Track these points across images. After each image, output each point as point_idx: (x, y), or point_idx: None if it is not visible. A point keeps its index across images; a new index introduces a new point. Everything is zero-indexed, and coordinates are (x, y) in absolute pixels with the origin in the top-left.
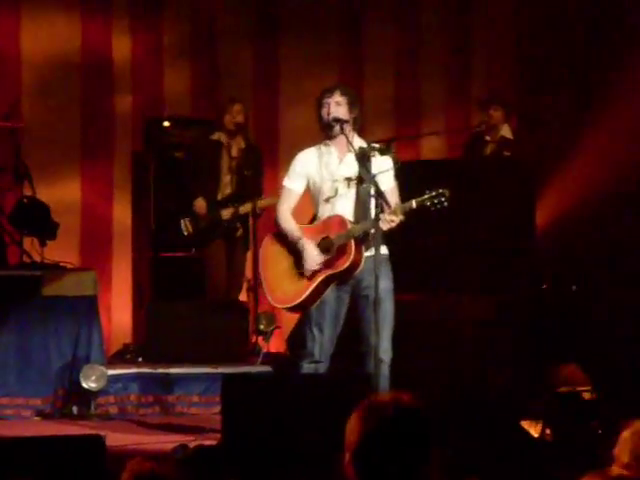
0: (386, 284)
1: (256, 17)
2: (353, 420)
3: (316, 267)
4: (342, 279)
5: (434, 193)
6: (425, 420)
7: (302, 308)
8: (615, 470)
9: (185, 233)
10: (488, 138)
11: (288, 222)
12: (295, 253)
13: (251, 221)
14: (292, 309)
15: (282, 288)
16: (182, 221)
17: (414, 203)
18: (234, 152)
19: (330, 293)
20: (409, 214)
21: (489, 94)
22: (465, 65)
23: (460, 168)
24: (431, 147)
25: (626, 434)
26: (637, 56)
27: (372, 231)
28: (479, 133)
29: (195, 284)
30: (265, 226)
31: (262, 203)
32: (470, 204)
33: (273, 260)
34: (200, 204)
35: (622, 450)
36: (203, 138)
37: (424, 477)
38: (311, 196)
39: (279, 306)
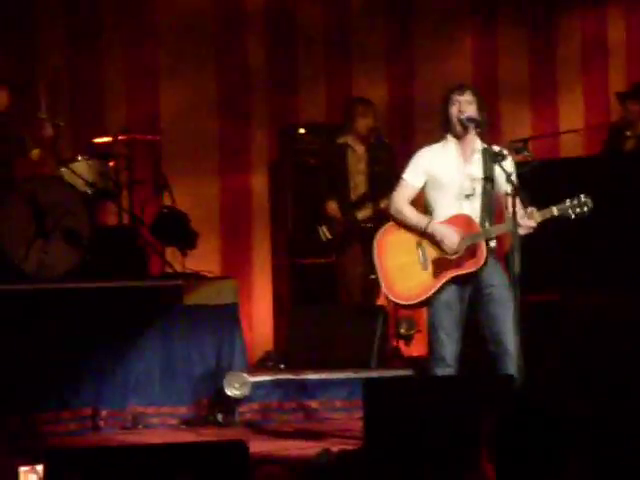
0: (505, 280)
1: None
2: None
3: (457, 246)
4: (466, 280)
5: (576, 202)
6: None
7: (420, 306)
8: None
9: (324, 239)
10: (628, 133)
11: (409, 210)
12: (418, 245)
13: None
14: (411, 306)
15: (404, 283)
16: (319, 228)
17: (555, 211)
18: (361, 152)
19: (453, 294)
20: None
21: (627, 88)
22: (603, 59)
23: (601, 165)
24: (569, 144)
25: None
26: None
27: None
28: (618, 128)
29: (333, 290)
30: None
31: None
32: (614, 201)
33: (391, 253)
34: (332, 207)
35: None
36: (330, 142)
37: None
38: (428, 192)
39: (399, 302)
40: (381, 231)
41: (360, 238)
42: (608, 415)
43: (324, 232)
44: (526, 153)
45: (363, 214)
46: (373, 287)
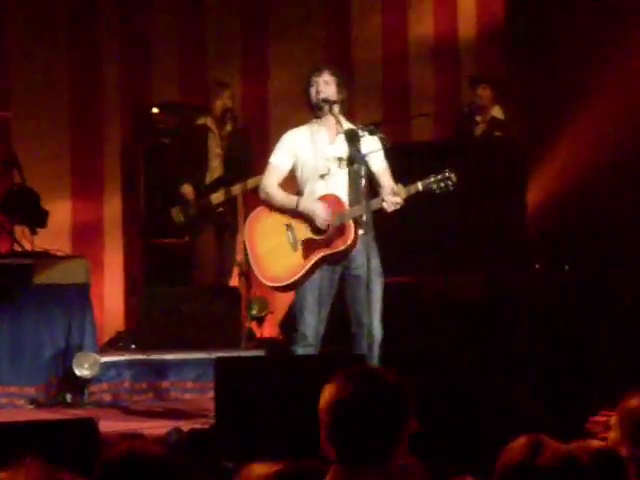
0: (376, 263)
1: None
2: (324, 397)
3: (329, 220)
4: (336, 260)
5: (440, 176)
6: (392, 391)
7: (293, 287)
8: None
9: (177, 222)
10: (478, 118)
11: (278, 193)
12: (288, 226)
13: (241, 202)
14: (284, 288)
15: (274, 266)
16: (172, 210)
17: (420, 185)
18: (221, 135)
19: (321, 274)
20: (413, 197)
21: (477, 73)
22: (454, 44)
23: (451, 149)
24: (420, 128)
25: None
26: (632, 38)
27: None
28: (468, 113)
29: (186, 271)
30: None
31: (252, 182)
32: (461, 185)
33: (262, 237)
34: (187, 190)
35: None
36: (188, 123)
37: (395, 453)
38: (298, 174)
39: (270, 284)
40: (251, 216)
41: (214, 221)
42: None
43: (177, 214)
44: (380, 136)
45: (217, 198)
46: (226, 269)
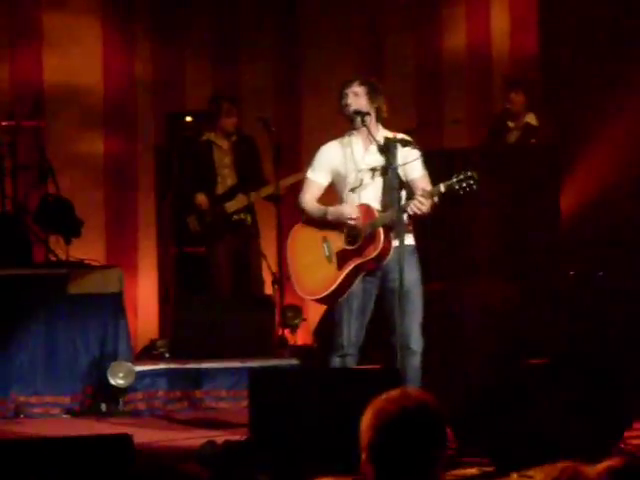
0: (413, 275)
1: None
2: (366, 419)
3: (355, 214)
4: (371, 268)
5: (462, 176)
6: (433, 416)
7: (331, 299)
8: None
9: (193, 231)
10: (511, 124)
11: (313, 206)
12: (324, 239)
13: (275, 207)
14: (321, 300)
15: (311, 279)
16: (189, 219)
17: (442, 187)
18: (225, 147)
19: (357, 285)
20: (439, 199)
21: (509, 78)
22: (486, 49)
23: (484, 156)
24: (453, 136)
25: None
26: None
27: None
28: (501, 120)
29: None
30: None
31: (265, 191)
32: (495, 192)
33: (301, 253)
34: (201, 199)
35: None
36: (191, 139)
37: (433, 477)
38: (336, 190)
39: (307, 297)
40: (291, 233)
41: (230, 230)
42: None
43: (193, 223)
44: (411, 147)
45: (232, 206)
46: (244, 278)
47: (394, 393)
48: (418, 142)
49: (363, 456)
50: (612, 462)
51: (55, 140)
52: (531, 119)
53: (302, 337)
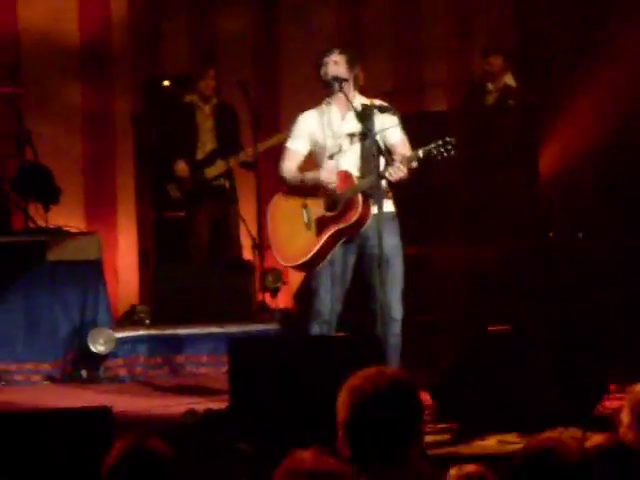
0: (393, 241)
1: None
2: (341, 397)
3: (333, 179)
4: (350, 234)
5: (440, 142)
6: (407, 395)
7: (311, 265)
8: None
9: (173, 198)
10: (490, 86)
11: (293, 173)
12: (303, 207)
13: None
14: (301, 267)
15: (291, 246)
16: (168, 186)
17: (420, 152)
18: (207, 110)
19: (336, 252)
20: (418, 164)
21: (488, 42)
22: (466, 13)
23: (462, 118)
24: (432, 98)
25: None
26: None
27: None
28: (480, 82)
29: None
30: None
31: (244, 155)
32: (474, 154)
33: (282, 220)
34: (181, 167)
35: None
36: (175, 101)
37: (408, 455)
38: (315, 157)
39: (288, 264)
40: (270, 204)
41: (209, 195)
42: None
43: (173, 190)
44: (390, 112)
45: (212, 172)
46: (223, 243)
47: (369, 371)
48: (396, 105)
49: (339, 433)
50: (600, 440)
51: (33, 108)
52: (509, 80)
53: (283, 301)
